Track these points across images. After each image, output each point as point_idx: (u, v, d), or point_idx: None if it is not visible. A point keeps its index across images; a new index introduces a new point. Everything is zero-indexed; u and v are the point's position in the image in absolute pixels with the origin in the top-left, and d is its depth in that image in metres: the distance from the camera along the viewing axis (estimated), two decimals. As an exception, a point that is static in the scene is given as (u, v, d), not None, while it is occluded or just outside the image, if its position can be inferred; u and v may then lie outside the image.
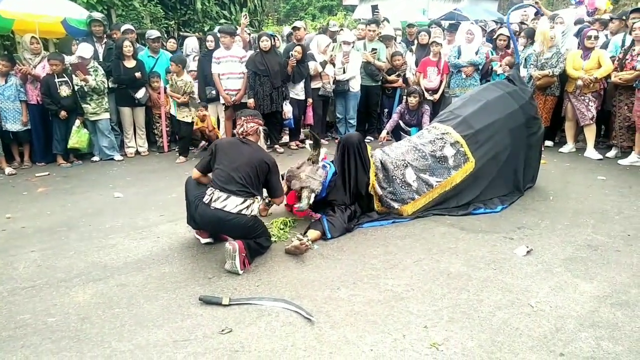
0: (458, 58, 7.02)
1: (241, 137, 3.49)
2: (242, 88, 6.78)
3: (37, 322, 2.66)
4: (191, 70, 7.22)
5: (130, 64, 6.71)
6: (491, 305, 2.76)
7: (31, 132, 6.41)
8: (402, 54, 7.55)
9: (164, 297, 2.92)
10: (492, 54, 7.12)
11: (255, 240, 3.33)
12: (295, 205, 3.81)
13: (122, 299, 2.90)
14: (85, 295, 2.95)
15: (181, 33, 10.76)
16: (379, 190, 4.13)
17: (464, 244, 3.64)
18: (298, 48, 6.78)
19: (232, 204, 3.21)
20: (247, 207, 3.26)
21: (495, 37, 7.26)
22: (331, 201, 3.99)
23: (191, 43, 7.86)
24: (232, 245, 3.12)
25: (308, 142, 4.23)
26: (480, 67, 6.99)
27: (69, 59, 6.57)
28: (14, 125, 6.24)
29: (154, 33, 7.14)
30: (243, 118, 3.51)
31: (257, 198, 3.33)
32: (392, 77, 7.48)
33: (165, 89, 6.97)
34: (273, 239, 3.69)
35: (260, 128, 3.53)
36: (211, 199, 3.26)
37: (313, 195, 3.82)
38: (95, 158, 6.81)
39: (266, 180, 3.41)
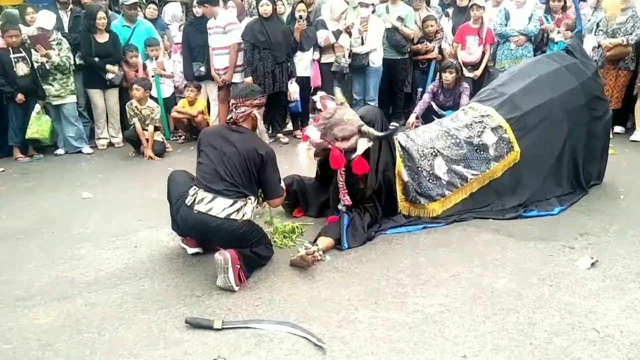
0: (506, 25, 6.96)
1: (229, 123, 3.50)
2: (230, 64, 6.79)
3: (-10, 349, 2.70)
4: (177, 43, 7.28)
5: (102, 38, 6.78)
6: (547, 330, 2.73)
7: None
8: (435, 18, 7.51)
9: (143, 319, 2.93)
10: (547, 21, 7.04)
11: (251, 250, 3.34)
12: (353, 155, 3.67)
13: (92, 321, 2.92)
14: (48, 317, 2.97)
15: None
16: (404, 175, 4.09)
17: (512, 254, 3.61)
18: (301, 5, 6.80)
19: (219, 206, 3.22)
20: (238, 210, 3.26)
21: None
22: (354, 192, 3.93)
23: (172, 9, 7.92)
24: (223, 256, 3.13)
25: (337, 90, 4.14)
26: (533, 37, 6.92)
27: (26, 30, 6.65)
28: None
29: None
30: (232, 101, 3.51)
31: (250, 199, 3.34)
32: (424, 46, 7.41)
33: (144, 65, 7.03)
34: (276, 247, 3.71)
35: (255, 112, 3.50)
36: (194, 201, 3.27)
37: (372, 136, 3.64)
38: (60, 151, 6.89)
39: (261, 175, 3.40)
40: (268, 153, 3.38)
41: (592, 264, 3.41)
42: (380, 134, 3.72)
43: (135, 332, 2.81)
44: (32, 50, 6.42)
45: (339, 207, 3.91)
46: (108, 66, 6.80)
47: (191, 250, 3.69)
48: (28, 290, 3.30)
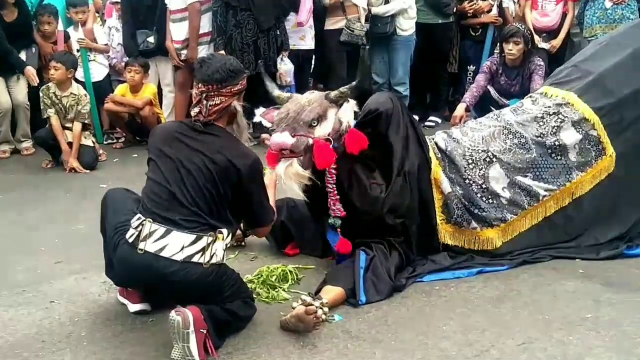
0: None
1: (196, 121, 3.41)
2: (191, 35, 6.88)
3: None
4: (114, 2, 7.35)
5: (11, 14, 6.89)
6: None
7: None
8: None
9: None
10: None
11: (224, 307, 3.31)
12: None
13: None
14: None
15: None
16: (445, 184, 4.12)
17: (612, 312, 3.58)
18: None
19: (176, 244, 3.17)
20: (203, 250, 3.20)
21: None
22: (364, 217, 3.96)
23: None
24: (183, 316, 3.08)
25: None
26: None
27: None
28: None
29: None
30: (200, 88, 3.38)
31: (221, 233, 3.29)
32: (483, 4, 7.45)
33: (66, 35, 7.07)
34: (260, 301, 3.71)
35: (235, 104, 3.43)
36: (138, 236, 3.22)
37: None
38: (-59, 161, 6.94)
39: (240, 199, 3.35)
40: (252, 165, 3.32)
41: None
42: (354, 82, 3.88)
43: None
44: None
45: (330, 221, 3.95)
46: (27, 69, 6.86)
47: (134, 308, 3.67)
48: None
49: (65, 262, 4.44)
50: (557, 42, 7.23)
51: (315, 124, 3.74)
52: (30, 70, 6.88)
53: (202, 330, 3.11)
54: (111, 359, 3.28)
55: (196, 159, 3.24)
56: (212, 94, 3.31)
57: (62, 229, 5.08)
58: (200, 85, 3.35)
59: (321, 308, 3.39)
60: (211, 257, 3.20)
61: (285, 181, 3.76)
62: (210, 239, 3.21)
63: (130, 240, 3.22)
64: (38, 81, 6.91)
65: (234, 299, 3.36)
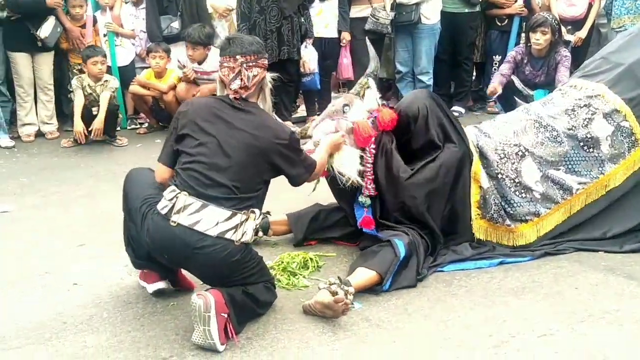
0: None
1: (235, 97, 3.40)
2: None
3: None
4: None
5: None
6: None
7: None
8: None
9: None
10: None
11: (245, 290, 3.32)
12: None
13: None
14: None
15: None
16: (484, 179, 4.12)
17: (634, 305, 3.55)
18: None
19: (211, 219, 3.17)
20: (236, 227, 3.21)
21: None
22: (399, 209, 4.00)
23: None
24: (205, 300, 3.09)
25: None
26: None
27: None
28: None
29: None
30: (237, 59, 3.36)
31: (254, 212, 3.30)
32: None
33: (94, 18, 7.10)
34: (280, 287, 3.72)
35: (268, 77, 3.48)
36: (172, 209, 3.21)
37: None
38: (-35, 142, 7.00)
39: (280, 171, 3.41)
40: (291, 137, 3.38)
41: None
42: (368, 71, 4.12)
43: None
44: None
45: (360, 199, 3.98)
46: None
47: (152, 288, 3.65)
48: None
49: (87, 245, 4.47)
50: (582, 33, 7.16)
51: (347, 110, 3.88)
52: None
53: (223, 314, 3.11)
54: (132, 342, 3.30)
55: (239, 135, 3.25)
56: (251, 64, 3.33)
57: (85, 212, 5.11)
58: (237, 57, 3.34)
59: (347, 295, 3.37)
60: (242, 235, 3.20)
61: (343, 170, 3.84)
62: (244, 217, 3.21)
63: (164, 212, 3.20)
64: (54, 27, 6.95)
65: (256, 282, 3.36)
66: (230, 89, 3.33)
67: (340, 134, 3.85)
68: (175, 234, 3.16)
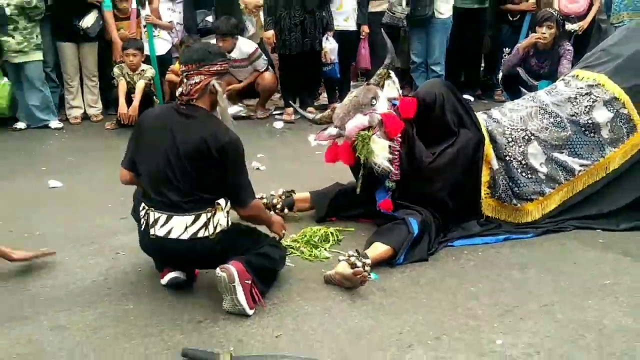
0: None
1: (180, 103, 3.33)
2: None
3: None
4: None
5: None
6: (675, 386, 2.69)
7: None
8: None
9: (126, 349, 2.97)
10: None
11: (256, 252, 3.33)
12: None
13: (61, 349, 2.97)
14: (4, 341, 3.03)
15: None
16: (494, 161, 4.11)
17: (628, 279, 3.54)
18: None
19: (179, 226, 3.20)
20: (205, 225, 3.22)
21: None
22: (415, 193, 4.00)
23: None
24: (227, 272, 3.10)
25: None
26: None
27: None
28: None
29: None
30: (182, 68, 3.36)
31: (219, 204, 3.26)
32: None
33: (138, 11, 7.13)
34: (303, 258, 3.78)
35: (214, 82, 3.29)
36: (147, 224, 3.27)
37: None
38: (20, 125, 7.07)
39: (219, 175, 3.28)
40: (230, 143, 3.22)
41: None
42: (386, 62, 4.08)
43: (116, 365, 2.87)
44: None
45: (387, 183, 3.99)
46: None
47: (167, 278, 3.52)
48: (-23, 307, 3.38)
49: (129, 219, 4.49)
50: (584, 23, 7.10)
51: (374, 103, 3.86)
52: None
53: (247, 281, 3.15)
54: (169, 306, 3.34)
55: (179, 141, 3.20)
56: (192, 72, 3.26)
57: (127, 188, 5.12)
58: (182, 66, 3.35)
59: (365, 268, 3.40)
60: (215, 227, 3.23)
61: (375, 159, 3.82)
62: (209, 213, 3.22)
63: (142, 228, 3.31)
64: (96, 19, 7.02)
65: (259, 245, 3.38)
66: (177, 96, 3.35)
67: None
68: (157, 245, 3.28)
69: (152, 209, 3.23)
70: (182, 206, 3.18)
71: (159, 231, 3.21)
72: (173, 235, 3.18)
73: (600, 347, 2.93)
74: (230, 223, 3.32)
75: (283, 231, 3.69)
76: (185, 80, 3.29)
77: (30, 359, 2.90)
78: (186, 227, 3.18)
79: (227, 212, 3.30)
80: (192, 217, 3.18)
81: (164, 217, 3.20)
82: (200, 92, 3.27)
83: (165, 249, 3.29)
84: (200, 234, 3.19)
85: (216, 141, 3.17)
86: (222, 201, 3.25)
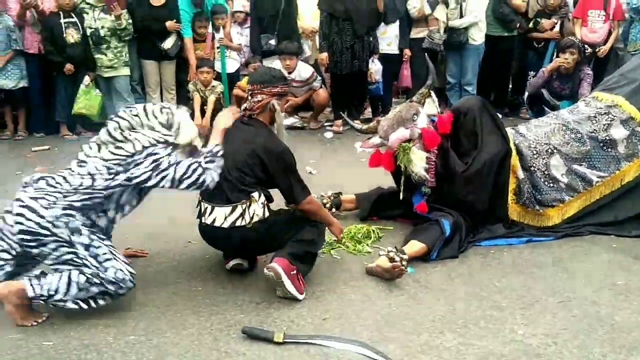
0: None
1: (243, 115, 3.46)
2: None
3: (31, 346, 2.86)
4: (237, 11, 7.44)
5: (157, 0, 7.03)
6: (681, 377, 2.61)
7: (28, 92, 6.89)
8: None
9: (194, 324, 3.03)
10: None
11: (297, 239, 3.30)
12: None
13: (140, 322, 3.04)
14: (92, 315, 3.10)
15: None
16: (520, 171, 4.07)
17: (639, 280, 3.47)
18: None
19: (220, 216, 3.28)
20: (241, 215, 3.25)
21: None
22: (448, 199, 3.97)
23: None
24: (273, 271, 3.11)
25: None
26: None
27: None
28: (6, 82, 6.73)
29: None
30: (248, 87, 3.50)
31: (253, 196, 3.28)
32: (546, 23, 7.20)
33: (213, 35, 7.23)
34: (348, 252, 3.80)
35: (274, 102, 3.40)
36: (200, 212, 3.41)
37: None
38: (110, 129, 7.17)
39: (272, 179, 3.34)
40: (281, 153, 3.32)
41: None
42: (428, 82, 4.09)
43: (186, 339, 2.90)
44: (92, 11, 6.77)
45: (423, 189, 3.97)
46: (169, 23, 6.99)
47: (231, 264, 3.61)
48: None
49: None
50: (606, 47, 6.98)
51: (415, 118, 3.85)
52: (171, 25, 7.05)
53: (292, 272, 3.19)
54: (232, 289, 3.41)
55: (237, 145, 3.31)
56: (256, 92, 3.38)
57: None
58: (248, 85, 3.50)
59: (403, 262, 3.39)
60: (252, 217, 3.26)
61: (411, 166, 3.82)
62: (245, 205, 3.26)
63: (197, 216, 3.46)
64: (175, 41, 7.13)
65: (300, 228, 3.35)
66: (241, 109, 3.48)
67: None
68: (207, 231, 3.39)
69: (203, 201, 3.36)
70: (222, 198, 3.27)
71: (207, 219, 3.33)
72: (217, 224, 3.28)
73: (612, 340, 2.89)
74: (267, 214, 3.33)
75: (341, 235, 3.66)
76: (250, 97, 3.41)
77: (113, 331, 2.98)
78: (225, 217, 3.26)
79: (263, 204, 3.32)
80: (229, 208, 3.25)
81: (209, 207, 3.31)
82: (262, 109, 3.38)
83: (212, 236, 3.40)
84: (237, 223, 3.25)
85: (269, 150, 3.27)
86: (255, 194, 3.29)
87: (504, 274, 3.57)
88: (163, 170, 3.11)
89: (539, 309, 3.16)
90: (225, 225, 3.26)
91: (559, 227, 4.12)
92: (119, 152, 3.09)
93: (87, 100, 6.84)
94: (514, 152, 4.06)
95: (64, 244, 2.99)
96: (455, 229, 3.81)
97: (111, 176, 3.06)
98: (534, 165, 4.13)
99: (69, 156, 6.03)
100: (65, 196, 3.00)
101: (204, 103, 6.92)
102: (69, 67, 6.69)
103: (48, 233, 2.93)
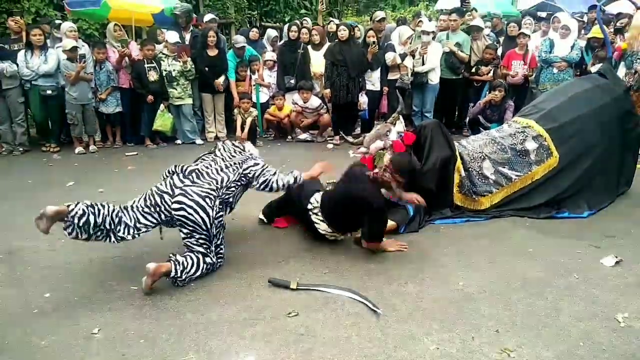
0: (550, 52, 6.62)
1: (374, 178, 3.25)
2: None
3: (122, 289, 2.89)
4: (267, 60, 7.40)
5: (212, 52, 7.00)
6: (571, 316, 2.60)
7: (122, 115, 6.93)
8: (496, 47, 7.27)
9: (235, 276, 3.05)
10: (587, 55, 6.63)
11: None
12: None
13: (190, 280, 3.02)
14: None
15: (263, 23, 11.06)
16: (462, 171, 4.04)
17: (544, 248, 3.44)
18: (370, 32, 6.82)
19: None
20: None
21: (588, 38, 6.74)
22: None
23: (271, 35, 8.06)
24: None
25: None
26: (574, 64, 6.54)
27: (158, 47, 7.00)
28: (107, 108, 6.77)
29: (240, 41, 7.24)
30: (385, 164, 3.36)
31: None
32: (484, 69, 7.17)
33: (250, 76, 7.23)
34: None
35: (394, 185, 3.26)
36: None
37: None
38: (179, 141, 7.19)
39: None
40: (371, 205, 3.13)
41: (617, 262, 3.19)
42: (398, 109, 4.25)
43: (230, 286, 2.92)
44: (165, 60, 6.74)
45: None
46: (216, 82, 6.99)
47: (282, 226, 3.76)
48: (156, 247, 3.44)
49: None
50: (521, 73, 6.92)
51: (388, 134, 3.85)
52: (218, 82, 7.02)
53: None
54: (262, 251, 3.40)
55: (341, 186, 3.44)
56: (391, 170, 3.27)
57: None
58: (385, 165, 3.38)
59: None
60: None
61: (381, 164, 3.75)
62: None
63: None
64: (224, 81, 7.07)
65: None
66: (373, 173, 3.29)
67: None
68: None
69: None
70: None
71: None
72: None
73: (524, 289, 2.91)
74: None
75: (402, 245, 3.42)
76: (380, 171, 3.24)
77: (164, 282, 2.94)
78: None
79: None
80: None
81: None
82: (387, 183, 3.19)
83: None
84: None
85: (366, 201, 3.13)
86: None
87: (450, 243, 3.55)
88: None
89: (474, 268, 3.15)
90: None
91: (488, 211, 4.08)
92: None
93: (162, 121, 6.83)
94: (458, 158, 4.03)
95: (209, 237, 2.94)
96: (416, 212, 3.78)
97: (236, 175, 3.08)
98: (471, 167, 4.09)
99: (152, 158, 6.19)
100: (218, 193, 2.94)
101: (243, 123, 6.89)
102: (150, 97, 6.69)
103: (205, 228, 2.88)
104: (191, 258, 2.90)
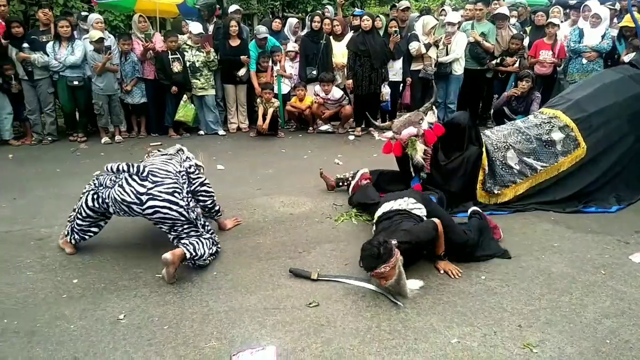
0: (579, 42, 6.42)
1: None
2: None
3: (148, 276, 2.96)
4: (289, 51, 7.39)
5: (235, 42, 7.02)
6: (597, 312, 2.55)
7: (147, 106, 7.02)
8: (522, 37, 7.07)
9: (257, 266, 3.08)
10: (620, 44, 6.40)
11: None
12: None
13: (220, 264, 3.11)
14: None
15: (285, 14, 11.04)
16: (486, 167, 3.98)
17: (569, 243, 3.38)
18: (393, 22, 6.76)
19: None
20: None
21: (620, 26, 6.50)
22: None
23: (292, 22, 8.04)
24: None
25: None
26: (604, 54, 6.33)
27: (182, 38, 7.05)
28: (132, 99, 6.88)
29: (262, 32, 7.21)
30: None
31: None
32: (510, 60, 7.01)
33: (272, 67, 7.23)
34: (359, 221, 3.76)
35: (399, 265, 2.61)
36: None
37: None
38: (201, 132, 7.26)
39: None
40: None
41: (646, 259, 3.11)
42: (432, 100, 4.07)
43: (251, 275, 2.96)
44: (190, 50, 6.79)
45: (422, 174, 3.90)
46: (243, 57, 6.97)
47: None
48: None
49: (262, 189, 4.61)
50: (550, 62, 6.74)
51: (421, 122, 3.79)
52: (245, 59, 6.99)
53: None
54: (284, 242, 3.43)
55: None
56: (390, 264, 2.63)
57: (262, 171, 5.26)
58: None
59: None
60: None
61: (414, 154, 3.77)
62: None
63: None
64: (246, 71, 7.07)
65: None
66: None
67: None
68: None
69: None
70: None
71: None
72: None
73: (549, 284, 2.86)
74: None
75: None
76: (388, 260, 2.57)
77: (187, 270, 2.99)
78: None
79: None
80: None
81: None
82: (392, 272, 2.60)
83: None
84: None
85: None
86: None
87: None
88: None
89: (497, 262, 3.10)
90: None
91: (511, 204, 4.01)
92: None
93: (185, 111, 6.90)
94: (484, 154, 3.95)
95: (193, 222, 3.01)
96: (439, 203, 3.74)
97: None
98: (495, 157, 4.02)
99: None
100: (179, 183, 3.03)
101: (265, 113, 6.90)
102: (174, 88, 6.76)
103: (185, 217, 2.95)
104: (191, 242, 2.96)
